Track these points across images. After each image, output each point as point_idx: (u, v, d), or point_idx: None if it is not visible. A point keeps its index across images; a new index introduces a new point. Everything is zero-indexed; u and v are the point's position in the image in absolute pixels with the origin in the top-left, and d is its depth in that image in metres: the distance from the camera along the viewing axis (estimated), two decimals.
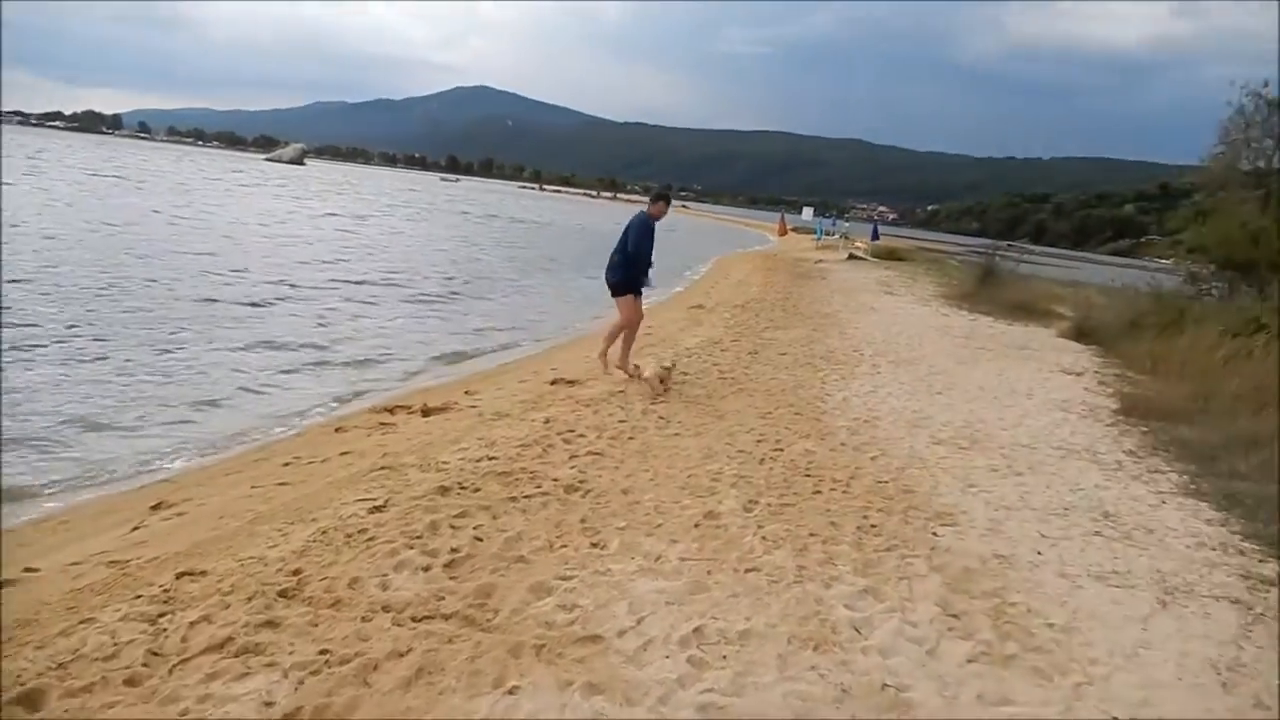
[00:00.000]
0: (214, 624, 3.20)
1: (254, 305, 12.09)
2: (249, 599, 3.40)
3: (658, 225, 8.06)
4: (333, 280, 15.23)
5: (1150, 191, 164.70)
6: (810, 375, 8.82)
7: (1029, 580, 4.10)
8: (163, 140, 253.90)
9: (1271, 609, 3.99)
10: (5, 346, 8.04)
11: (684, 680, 2.97)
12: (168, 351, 8.80)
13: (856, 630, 3.42)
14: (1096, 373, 10.66)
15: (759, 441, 6.16)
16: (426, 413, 7.09)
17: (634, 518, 4.50)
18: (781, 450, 5.97)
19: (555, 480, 5.02)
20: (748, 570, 3.92)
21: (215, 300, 12.02)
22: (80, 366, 7.84)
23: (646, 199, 8.44)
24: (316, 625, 3.23)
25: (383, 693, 2.81)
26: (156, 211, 25.39)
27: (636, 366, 7.87)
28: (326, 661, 2.96)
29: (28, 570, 3.92)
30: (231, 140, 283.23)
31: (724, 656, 3.14)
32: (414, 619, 3.31)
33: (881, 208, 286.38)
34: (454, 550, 3.94)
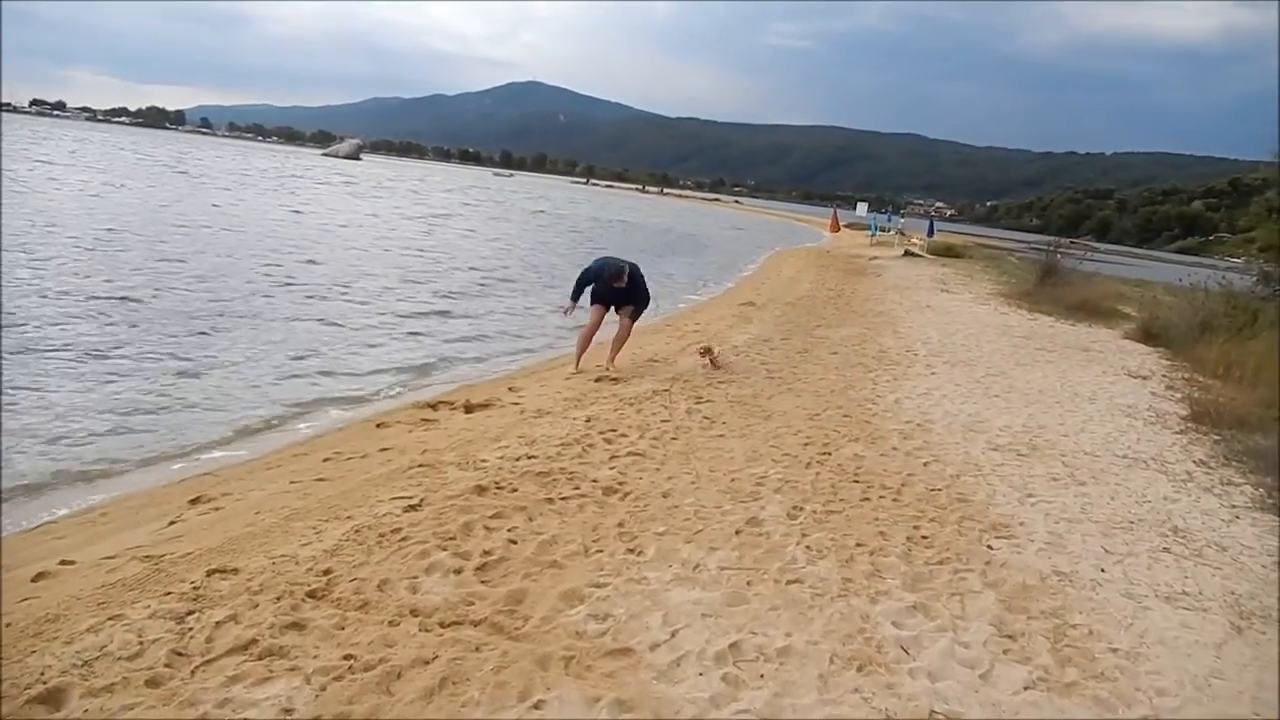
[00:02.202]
0: (240, 624, 3.14)
1: (324, 298, 12.22)
2: (277, 599, 3.34)
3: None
4: (408, 281, 15.27)
5: (1220, 187, 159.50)
6: (862, 376, 8.58)
7: (1091, 600, 3.87)
8: (224, 135, 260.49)
9: None
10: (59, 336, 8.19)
11: (718, 699, 2.82)
12: (239, 342, 8.98)
13: (904, 650, 3.23)
14: (1164, 376, 10.23)
15: (806, 445, 5.98)
16: (469, 409, 7.03)
17: (673, 523, 4.35)
18: (829, 454, 5.78)
19: (594, 481, 4.91)
20: (790, 582, 3.75)
21: (287, 296, 12.15)
22: (142, 359, 7.94)
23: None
24: (343, 628, 3.16)
25: (405, 702, 2.71)
26: (216, 205, 25.92)
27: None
28: (350, 667, 2.88)
29: (63, 563, 3.91)
30: (290, 135, 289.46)
31: (761, 675, 2.99)
32: (442, 625, 3.21)
33: (938, 203, 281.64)
34: (486, 553, 3.85)
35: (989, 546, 4.38)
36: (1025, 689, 3.06)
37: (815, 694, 2.89)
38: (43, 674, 2.77)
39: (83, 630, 3.10)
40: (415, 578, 3.57)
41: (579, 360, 8.52)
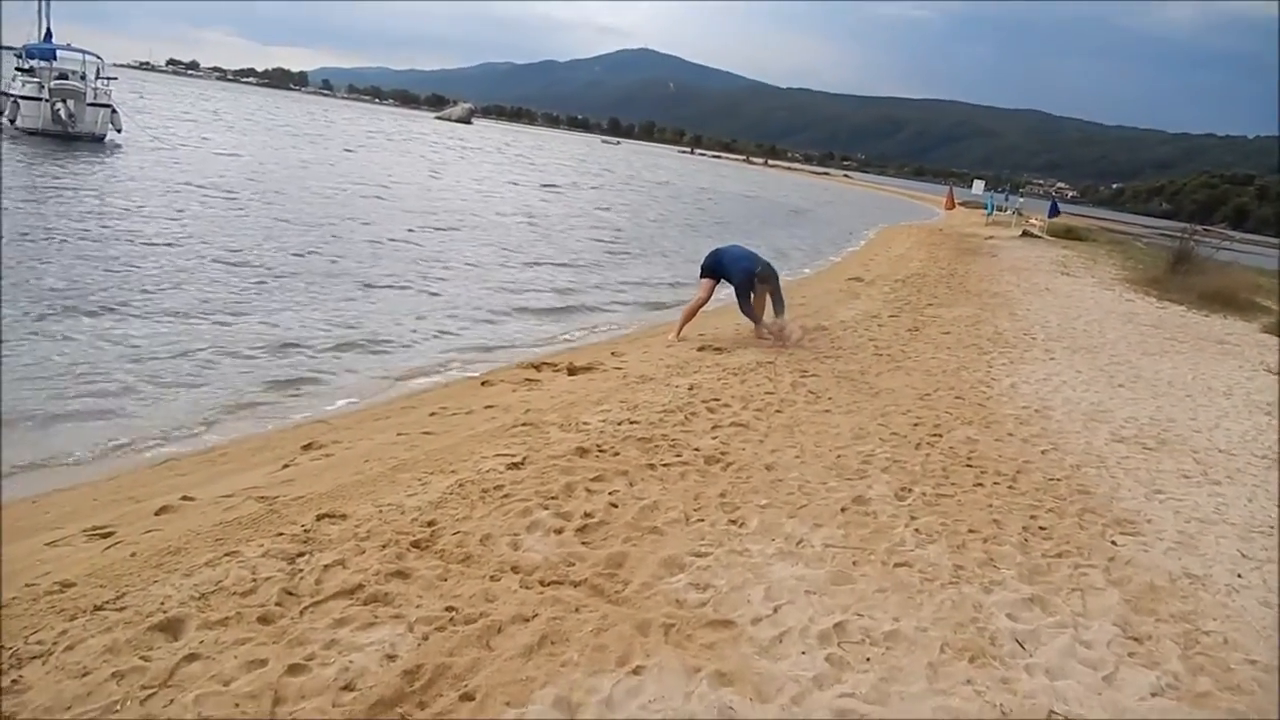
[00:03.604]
0: (348, 569, 3.20)
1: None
2: (383, 547, 3.38)
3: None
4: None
5: None
6: (975, 357, 8.24)
7: (1227, 607, 3.59)
8: (344, 97, 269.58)
9: None
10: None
11: (821, 680, 2.72)
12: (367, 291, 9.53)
13: (1020, 644, 3.06)
14: None
15: (916, 425, 5.76)
16: (572, 371, 7.04)
17: (776, 496, 4.24)
18: (940, 436, 5.56)
19: (696, 450, 4.83)
20: (898, 564, 3.60)
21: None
22: (283, 312, 8.32)
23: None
24: (445, 580, 3.18)
25: (504, 658, 2.70)
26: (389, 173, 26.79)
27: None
28: (451, 619, 2.89)
29: (184, 499, 4.07)
30: (405, 98, 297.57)
31: (867, 659, 2.87)
32: (542, 583, 3.20)
33: (1060, 184, 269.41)
34: (587, 515, 3.82)
35: (1113, 542, 4.12)
36: (1153, 695, 2.85)
37: (924, 683, 2.76)
38: (163, 603, 2.88)
39: (201, 564, 3.21)
40: (517, 535, 3.57)
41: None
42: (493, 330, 8.96)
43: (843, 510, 4.12)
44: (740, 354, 7.58)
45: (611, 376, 6.77)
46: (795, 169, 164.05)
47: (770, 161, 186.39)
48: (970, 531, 4.03)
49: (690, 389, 6.21)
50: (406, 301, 9.60)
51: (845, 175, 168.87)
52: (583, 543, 3.58)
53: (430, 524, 3.64)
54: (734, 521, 3.91)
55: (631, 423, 5.29)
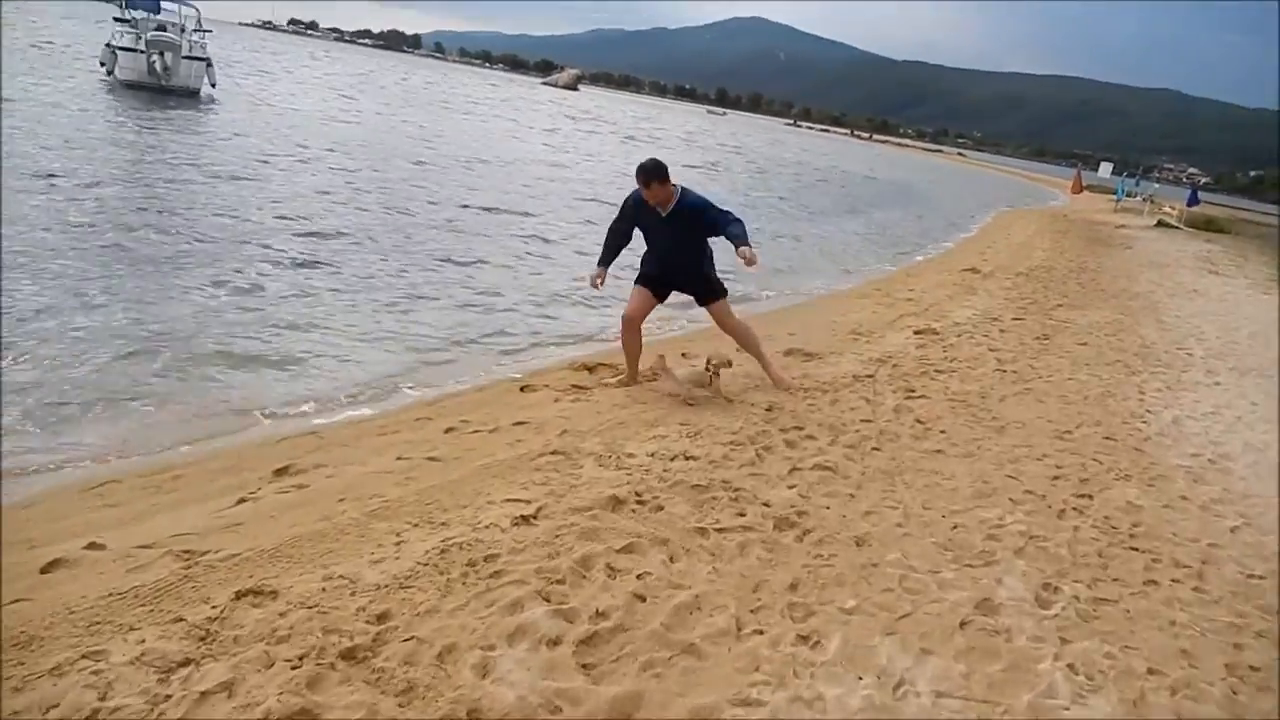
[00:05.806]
0: (233, 700, 2.22)
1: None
2: (300, 658, 2.40)
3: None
4: None
5: None
6: (1122, 379, 6.78)
7: None
8: (454, 60, 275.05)
9: None
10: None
11: None
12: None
13: None
14: None
15: (1056, 478, 4.47)
16: (631, 378, 5.93)
17: (868, 593, 3.08)
18: (1090, 498, 4.26)
19: (765, 505, 3.71)
20: None
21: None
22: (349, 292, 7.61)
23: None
24: None
25: None
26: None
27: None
28: None
29: (90, 546, 3.12)
30: (514, 63, 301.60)
31: None
32: None
33: (1192, 169, 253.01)
34: (600, 614, 2.75)
35: None
36: None
37: None
38: None
39: (47, 669, 2.31)
40: (492, 648, 2.52)
41: (633, 367, 5.67)
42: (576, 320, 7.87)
43: (962, 625, 2.93)
44: (834, 362, 6.38)
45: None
46: (906, 145, 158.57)
47: (876, 136, 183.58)
48: (1150, 672, 2.79)
49: (768, 410, 5.07)
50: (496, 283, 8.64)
51: (960, 153, 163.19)
52: (583, 665, 2.51)
53: (381, 617, 2.64)
54: (805, 638, 2.77)
55: (688, 458, 4.20)
